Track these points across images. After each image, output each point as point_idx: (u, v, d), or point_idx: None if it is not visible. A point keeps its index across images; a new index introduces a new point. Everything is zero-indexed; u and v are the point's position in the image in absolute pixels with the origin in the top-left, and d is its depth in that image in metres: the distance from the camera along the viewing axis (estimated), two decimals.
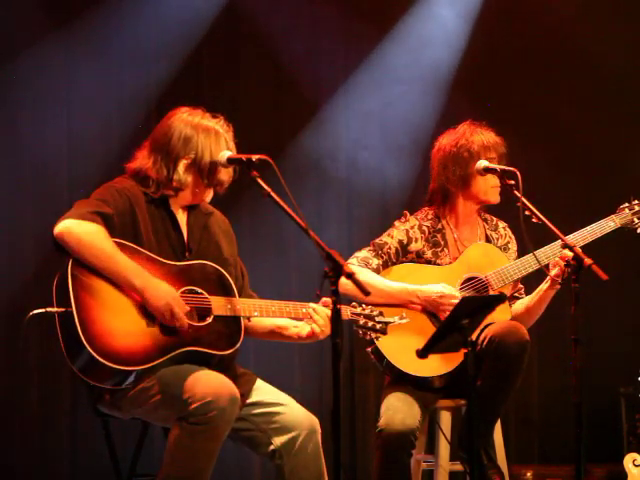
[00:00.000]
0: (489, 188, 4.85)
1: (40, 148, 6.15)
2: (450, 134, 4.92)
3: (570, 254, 4.22)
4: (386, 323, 4.28)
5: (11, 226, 6.07)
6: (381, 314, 4.29)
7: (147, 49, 6.36)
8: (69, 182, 6.18)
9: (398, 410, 4.62)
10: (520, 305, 4.90)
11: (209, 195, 4.20)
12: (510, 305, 4.88)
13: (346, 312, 4.21)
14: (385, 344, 4.69)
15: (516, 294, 4.94)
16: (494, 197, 4.88)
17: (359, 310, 4.27)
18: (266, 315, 4.13)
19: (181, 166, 4.10)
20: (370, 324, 4.26)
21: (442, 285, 4.71)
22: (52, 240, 3.91)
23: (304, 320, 4.19)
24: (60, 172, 6.20)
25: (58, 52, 6.16)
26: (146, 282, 3.91)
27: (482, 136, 4.84)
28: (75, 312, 3.83)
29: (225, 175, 4.13)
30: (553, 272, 4.67)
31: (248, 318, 4.14)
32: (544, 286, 4.77)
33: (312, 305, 4.16)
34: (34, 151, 6.15)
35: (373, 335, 4.30)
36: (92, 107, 6.23)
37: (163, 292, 3.92)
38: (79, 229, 3.89)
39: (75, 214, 3.93)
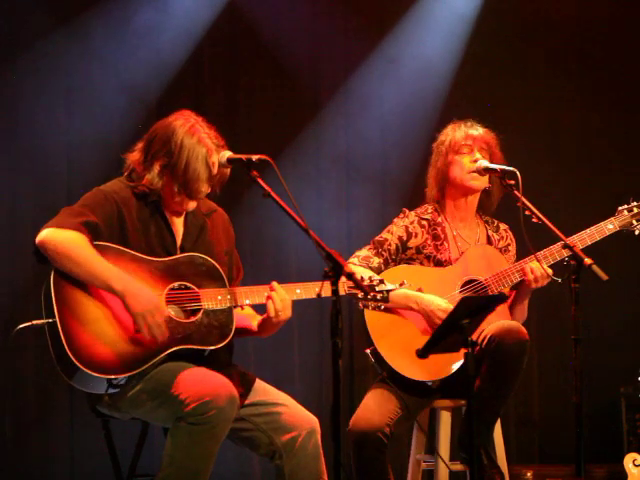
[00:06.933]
0: (464, 174, 4.85)
1: (40, 149, 6.15)
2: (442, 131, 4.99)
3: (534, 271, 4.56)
4: (387, 291, 4.15)
5: (10, 231, 6.06)
6: (382, 282, 4.16)
7: (147, 49, 6.35)
8: (69, 184, 6.18)
9: (367, 409, 4.67)
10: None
11: (191, 204, 4.13)
12: None
13: (343, 287, 4.07)
14: (384, 346, 4.69)
15: None
16: (473, 182, 4.85)
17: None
18: (258, 301, 4.10)
19: (156, 166, 4.08)
20: (370, 295, 4.13)
21: (445, 301, 4.70)
22: (34, 249, 3.89)
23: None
24: (60, 174, 6.19)
25: (58, 52, 6.16)
26: (126, 286, 3.87)
27: (459, 130, 4.90)
28: (59, 323, 3.82)
29: (201, 186, 4.07)
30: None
31: (241, 307, 4.13)
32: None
33: (273, 283, 4.09)
34: (34, 153, 6.14)
35: (372, 305, 4.16)
36: (92, 107, 6.23)
37: (144, 299, 3.88)
38: (58, 237, 3.87)
39: (56, 223, 3.91)
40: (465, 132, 4.88)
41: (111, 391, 3.91)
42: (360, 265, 4.76)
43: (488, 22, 6.93)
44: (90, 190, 4.09)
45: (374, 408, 4.65)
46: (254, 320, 4.23)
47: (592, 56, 7.04)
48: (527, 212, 4.35)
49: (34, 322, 3.90)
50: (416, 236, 4.87)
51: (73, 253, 3.86)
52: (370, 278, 4.17)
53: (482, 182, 4.87)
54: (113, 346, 3.87)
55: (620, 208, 4.85)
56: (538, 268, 4.66)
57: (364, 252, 4.84)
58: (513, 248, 5.01)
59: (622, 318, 6.96)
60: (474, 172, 4.83)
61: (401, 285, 4.27)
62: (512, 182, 4.44)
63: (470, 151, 4.84)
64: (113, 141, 6.11)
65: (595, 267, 4.09)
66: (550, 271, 4.66)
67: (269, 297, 4.08)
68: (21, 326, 3.93)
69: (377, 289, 4.16)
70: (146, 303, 3.88)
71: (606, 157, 7.03)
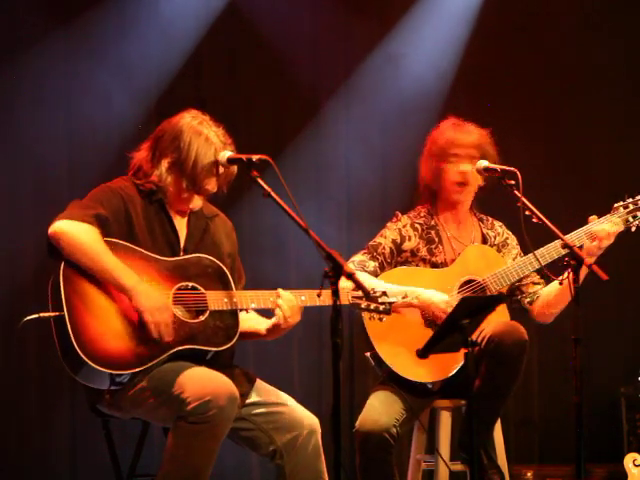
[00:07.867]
0: (448, 185, 4.82)
1: (40, 150, 6.14)
2: (433, 131, 4.93)
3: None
4: (390, 303, 4.17)
5: (10, 229, 6.06)
6: (384, 294, 4.17)
7: (147, 49, 6.35)
8: (69, 184, 6.18)
9: (373, 410, 4.64)
10: (549, 290, 4.84)
11: (197, 201, 4.17)
12: (525, 297, 4.86)
13: (347, 297, 4.11)
14: (384, 349, 4.69)
15: (529, 283, 4.89)
16: (456, 195, 4.83)
17: (360, 293, 4.15)
18: (264, 306, 4.11)
19: (164, 163, 4.10)
20: (373, 306, 4.15)
21: (444, 295, 4.67)
22: (46, 242, 3.92)
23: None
24: (60, 174, 6.19)
25: (58, 52, 6.16)
26: (136, 284, 3.90)
27: (451, 131, 4.81)
28: (67, 317, 3.83)
29: (209, 183, 4.10)
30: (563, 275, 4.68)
31: (246, 310, 4.14)
32: (556, 285, 4.74)
33: (279, 290, 4.11)
34: (34, 153, 6.14)
35: (376, 317, 4.21)
36: (92, 108, 6.22)
37: (152, 297, 3.91)
38: (72, 229, 3.90)
39: (68, 215, 3.94)
40: (453, 138, 4.78)
41: (113, 388, 3.92)
42: (356, 270, 4.72)
43: (489, 20, 6.93)
44: (94, 188, 4.12)
45: (381, 409, 4.64)
46: (259, 324, 4.23)
47: (591, 55, 7.05)
48: (527, 212, 4.35)
49: (41, 314, 3.90)
50: (410, 239, 4.85)
51: (86, 246, 3.88)
52: (373, 290, 4.17)
53: (466, 193, 4.83)
54: (119, 342, 3.88)
55: (616, 205, 4.83)
56: (603, 230, 4.65)
57: (359, 257, 4.83)
58: (512, 240, 4.96)
59: (622, 318, 6.97)
60: (460, 182, 4.80)
61: (404, 298, 4.27)
62: (512, 182, 4.43)
63: (457, 160, 4.77)
64: (113, 142, 6.11)
65: (595, 267, 4.09)
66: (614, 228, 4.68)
67: (277, 305, 4.08)
68: (28, 318, 3.93)
69: (380, 301, 4.16)
70: (154, 302, 3.90)
71: (606, 157, 7.03)
